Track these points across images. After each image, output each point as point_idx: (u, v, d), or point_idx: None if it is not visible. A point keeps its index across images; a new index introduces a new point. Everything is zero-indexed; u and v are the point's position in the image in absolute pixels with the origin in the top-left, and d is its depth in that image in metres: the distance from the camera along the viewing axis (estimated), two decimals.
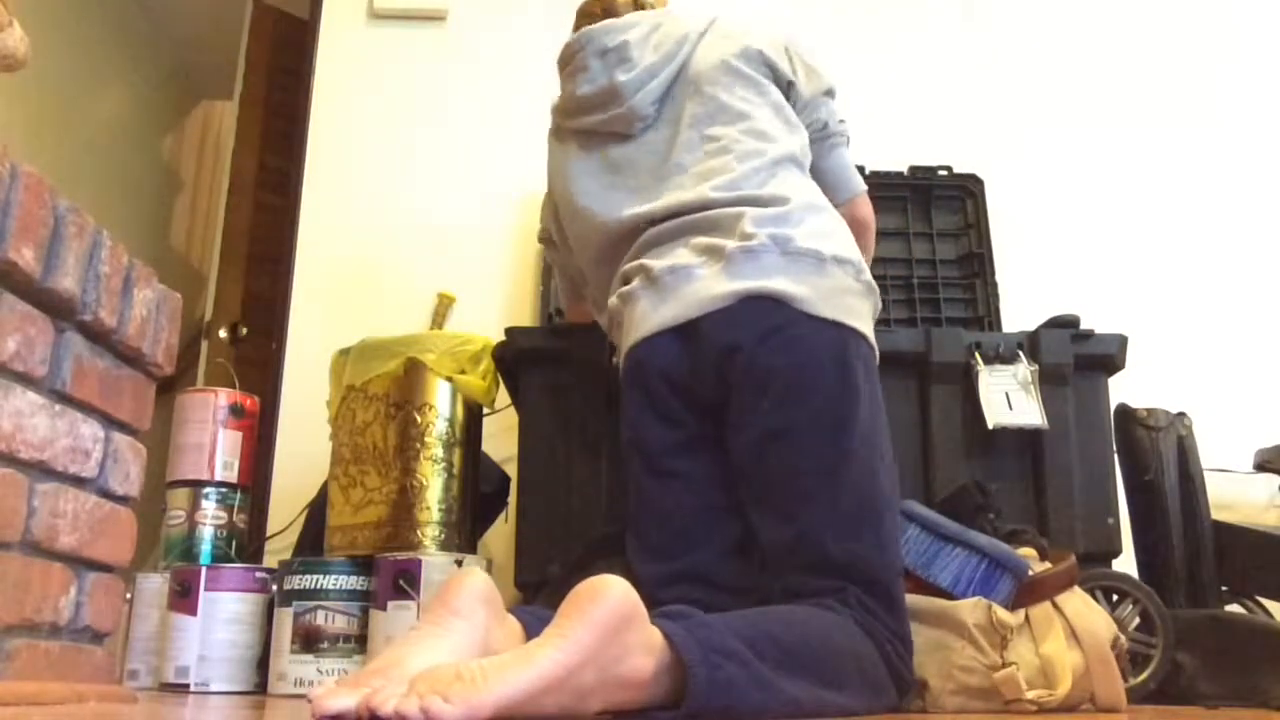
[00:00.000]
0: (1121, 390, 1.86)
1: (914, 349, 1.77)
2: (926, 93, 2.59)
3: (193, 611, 1.67)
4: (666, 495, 1.39)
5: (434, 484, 1.70)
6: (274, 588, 1.69)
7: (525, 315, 2.38)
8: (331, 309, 2.39)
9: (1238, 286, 2.50)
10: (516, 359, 1.76)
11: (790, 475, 1.32)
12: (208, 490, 1.87)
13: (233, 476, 1.89)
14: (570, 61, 1.60)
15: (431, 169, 2.51)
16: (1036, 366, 1.75)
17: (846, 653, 1.18)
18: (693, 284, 1.38)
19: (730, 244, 1.37)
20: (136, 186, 3.80)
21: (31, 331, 0.99)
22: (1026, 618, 1.39)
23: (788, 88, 1.55)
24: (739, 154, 1.45)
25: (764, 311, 1.34)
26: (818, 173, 1.56)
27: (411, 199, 2.49)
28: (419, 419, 1.72)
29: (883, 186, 2.16)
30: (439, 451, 1.72)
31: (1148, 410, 1.85)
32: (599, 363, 1.67)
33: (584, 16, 1.68)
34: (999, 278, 2.23)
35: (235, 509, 1.89)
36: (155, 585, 1.79)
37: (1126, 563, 1.79)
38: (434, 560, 1.59)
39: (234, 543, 1.89)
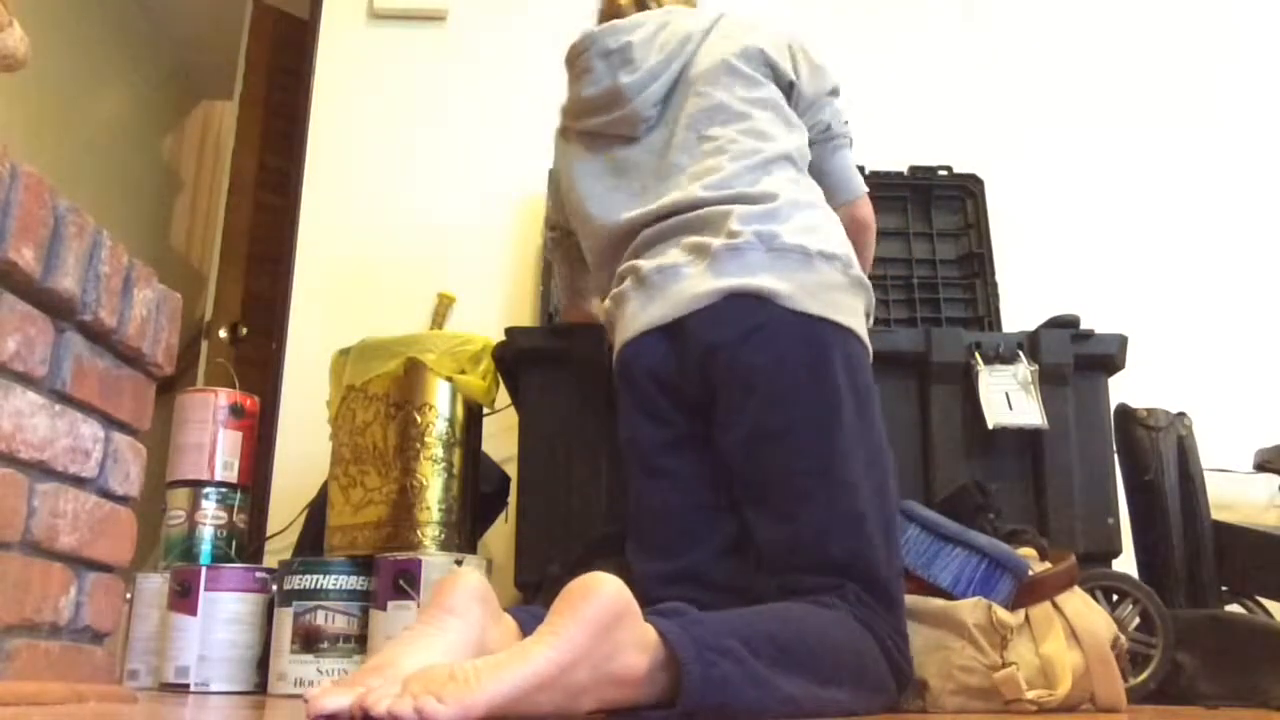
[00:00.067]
0: (1121, 390, 1.86)
1: (914, 349, 1.77)
2: (926, 93, 2.59)
3: (193, 611, 1.67)
4: (659, 494, 1.39)
5: (434, 484, 1.70)
6: (274, 588, 1.69)
7: (525, 315, 2.38)
8: (331, 309, 2.39)
9: (1238, 286, 2.50)
10: (516, 359, 1.76)
11: (784, 475, 1.31)
12: (208, 490, 1.87)
13: (233, 476, 1.89)
14: (575, 63, 1.60)
15: (431, 169, 2.51)
16: (1036, 366, 1.75)
17: (845, 649, 1.17)
18: (679, 283, 1.38)
19: (716, 242, 1.37)
20: (136, 186, 3.80)
21: (31, 331, 0.99)
22: (1026, 618, 1.39)
23: (789, 88, 1.55)
24: (733, 154, 1.45)
25: (748, 309, 1.34)
26: (819, 174, 1.56)
27: (411, 199, 2.49)
28: (419, 419, 1.72)
29: (883, 186, 2.16)
30: (439, 451, 1.72)
31: (1148, 410, 1.85)
32: (599, 363, 1.67)
33: (604, 15, 1.69)
34: (999, 278, 2.23)
35: (235, 509, 1.89)
36: (155, 585, 1.79)
37: (1126, 563, 1.79)
38: (434, 560, 1.59)
39: (234, 543, 1.89)
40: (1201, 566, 1.78)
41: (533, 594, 1.65)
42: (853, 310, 1.39)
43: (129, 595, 1.78)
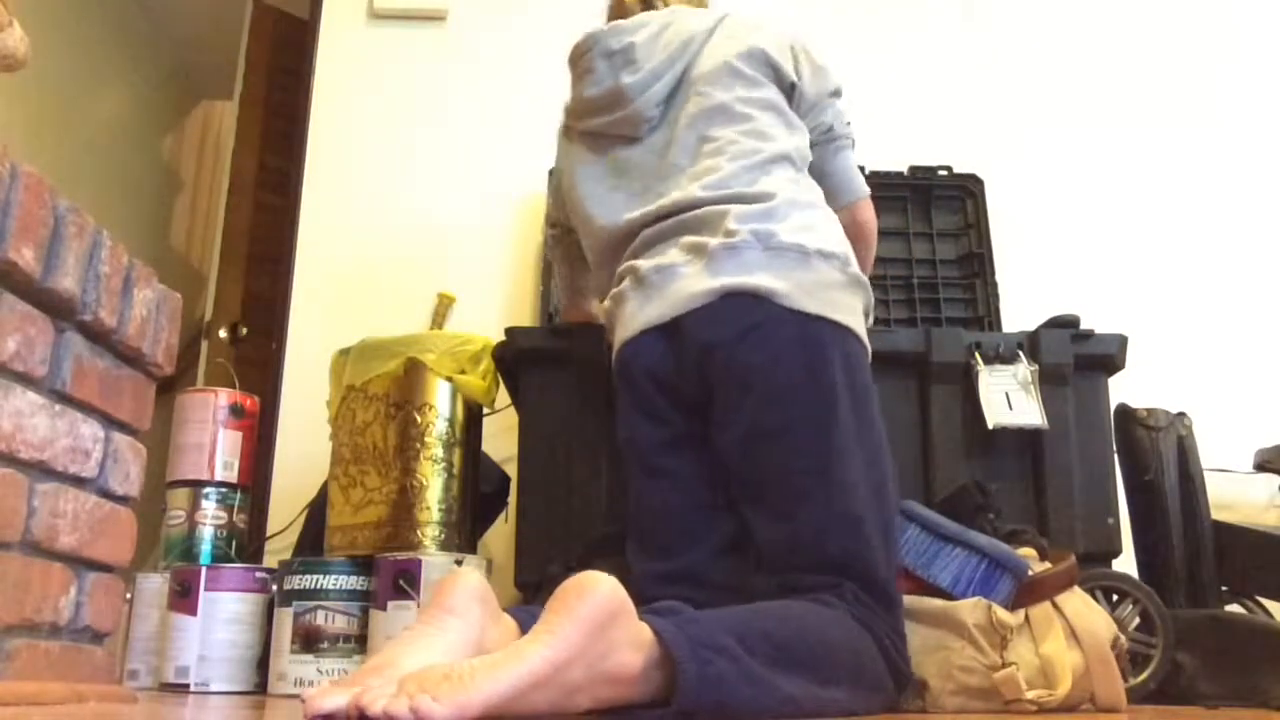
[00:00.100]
0: (1121, 390, 1.86)
1: (914, 349, 1.77)
2: (926, 93, 2.59)
3: (193, 611, 1.67)
4: (658, 494, 1.40)
5: (434, 484, 1.70)
6: (274, 588, 1.69)
7: (525, 315, 2.38)
8: (331, 309, 2.39)
9: (1238, 286, 2.50)
10: (516, 359, 1.76)
11: (781, 473, 1.31)
12: (208, 490, 1.87)
13: (233, 476, 1.89)
14: (578, 63, 1.60)
15: (431, 169, 2.51)
16: (1036, 366, 1.75)
17: (843, 648, 1.17)
18: (676, 282, 1.39)
19: (713, 241, 1.37)
20: (136, 186, 3.80)
21: (31, 331, 0.99)
22: (1026, 618, 1.39)
23: (790, 89, 1.54)
24: (732, 154, 1.45)
25: (744, 308, 1.34)
26: (821, 175, 1.56)
27: (411, 199, 2.49)
28: (419, 419, 1.72)
29: (883, 186, 2.16)
30: (439, 451, 1.72)
31: (1148, 410, 1.85)
32: (599, 363, 1.67)
33: (612, 14, 1.70)
34: (999, 278, 2.23)
35: (235, 509, 1.89)
36: (155, 585, 1.79)
37: (1126, 563, 1.79)
38: (434, 560, 1.59)
39: (234, 543, 1.89)
40: (1201, 566, 1.78)
41: (533, 594, 1.65)
42: (851, 309, 1.39)
43: (129, 595, 1.78)
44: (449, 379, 1.74)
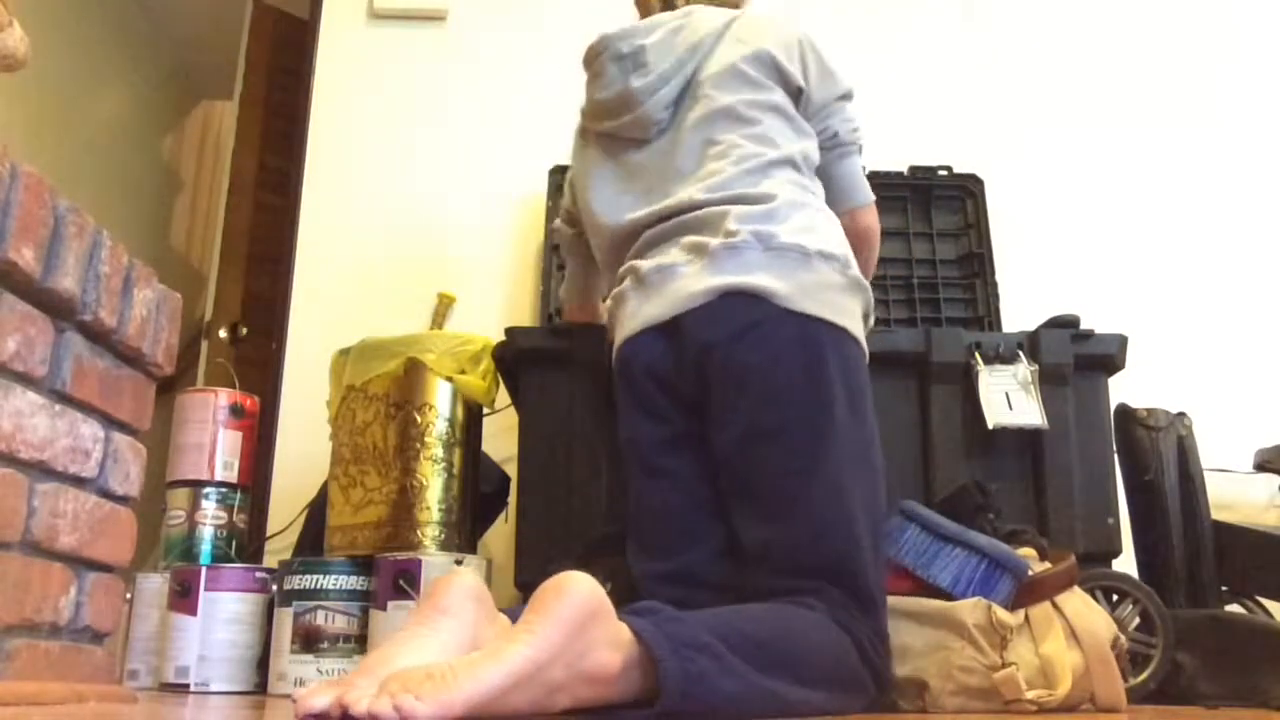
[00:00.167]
0: (1121, 390, 1.86)
1: (914, 349, 1.77)
2: (926, 93, 2.59)
3: (193, 611, 1.67)
4: (658, 494, 1.40)
5: (434, 484, 1.70)
6: (274, 588, 1.70)
7: (525, 315, 2.38)
8: (331, 309, 2.39)
9: (1238, 286, 2.50)
10: (516, 359, 1.76)
11: (770, 474, 1.31)
12: (208, 490, 1.87)
13: (233, 476, 1.89)
14: (591, 65, 1.60)
15: (431, 169, 2.51)
16: (1036, 366, 1.75)
17: (824, 650, 1.18)
18: (676, 281, 1.39)
19: (714, 241, 1.38)
20: (136, 186, 3.80)
21: (31, 331, 0.99)
22: (1026, 618, 1.39)
23: (797, 93, 1.54)
24: (736, 158, 1.45)
25: (742, 308, 1.34)
26: (826, 180, 1.56)
27: (411, 199, 2.49)
28: (419, 419, 1.72)
29: (883, 186, 2.16)
30: (439, 451, 1.72)
31: (1148, 410, 1.84)
32: (599, 363, 1.67)
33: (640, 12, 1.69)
34: (999, 278, 2.23)
35: (235, 509, 1.89)
36: (155, 585, 1.79)
37: (1126, 563, 1.79)
38: (434, 560, 1.59)
39: (234, 543, 1.89)
40: (1201, 566, 1.78)
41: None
42: (849, 311, 1.39)
43: (129, 595, 1.78)
44: (449, 379, 1.74)
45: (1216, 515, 1.83)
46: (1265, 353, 2.44)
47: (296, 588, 1.64)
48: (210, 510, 1.86)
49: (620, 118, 1.55)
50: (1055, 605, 1.40)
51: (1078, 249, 2.50)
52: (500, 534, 2.00)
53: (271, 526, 2.21)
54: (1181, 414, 1.86)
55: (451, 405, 1.74)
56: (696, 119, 1.50)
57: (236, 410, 1.90)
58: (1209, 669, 1.61)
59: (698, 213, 1.42)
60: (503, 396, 1.85)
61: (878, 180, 2.08)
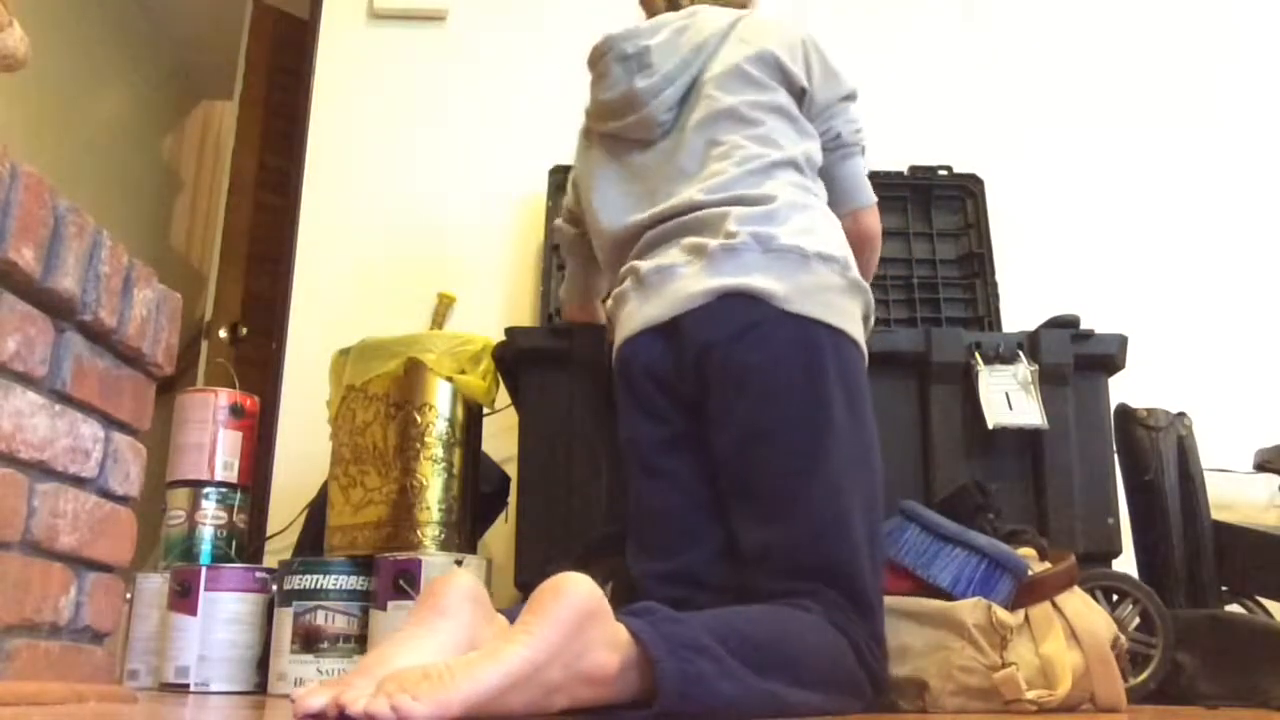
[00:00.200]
0: (1121, 390, 1.86)
1: (914, 349, 1.77)
2: (926, 93, 2.59)
3: (193, 611, 1.67)
4: (658, 494, 1.40)
5: (434, 484, 1.70)
6: (274, 588, 1.69)
7: (525, 315, 2.38)
8: (331, 309, 2.39)
9: (1238, 286, 2.50)
10: (516, 359, 1.76)
11: (768, 476, 1.31)
12: (208, 490, 1.87)
13: (233, 476, 1.89)
14: (595, 66, 1.60)
15: (431, 169, 2.51)
16: (1036, 366, 1.75)
17: (821, 652, 1.18)
18: (675, 282, 1.39)
19: (713, 242, 1.38)
20: (136, 186, 3.80)
21: (31, 331, 0.99)
22: (1026, 618, 1.39)
23: (800, 94, 1.54)
24: (738, 159, 1.45)
25: (741, 309, 1.34)
26: (828, 180, 1.56)
27: (411, 199, 2.49)
28: (419, 419, 1.72)
29: (883, 186, 2.15)
30: (439, 451, 1.72)
31: (1148, 410, 1.84)
32: (599, 363, 1.67)
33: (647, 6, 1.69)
34: (999, 278, 2.23)
35: (235, 509, 1.89)
36: (155, 585, 1.79)
37: (1126, 563, 1.79)
38: (434, 560, 1.59)
39: (234, 543, 1.89)
40: (1201, 566, 1.78)
41: None
42: (849, 313, 1.39)
43: (129, 595, 1.78)
44: (449, 379, 1.74)
45: (1216, 515, 1.83)
46: (1265, 353, 2.44)
47: (296, 588, 1.64)
48: (210, 510, 1.86)
49: (624, 118, 1.55)
50: (1055, 605, 1.40)
51: (1078, 249, 2.50)
52: (500, 534, 2.00)
53: (271, 526, 2.21)
54: (1181, 414, 1.86)
55: (451, 405, 1.74)
56: (700, 120, 1.50)
57: (236, 410, 1.90)
58: (1209, 669, 1.61)
59: (698, 214, 1.42)
60: (503, 396, 1.85)
61: (878, 180, 2.07)
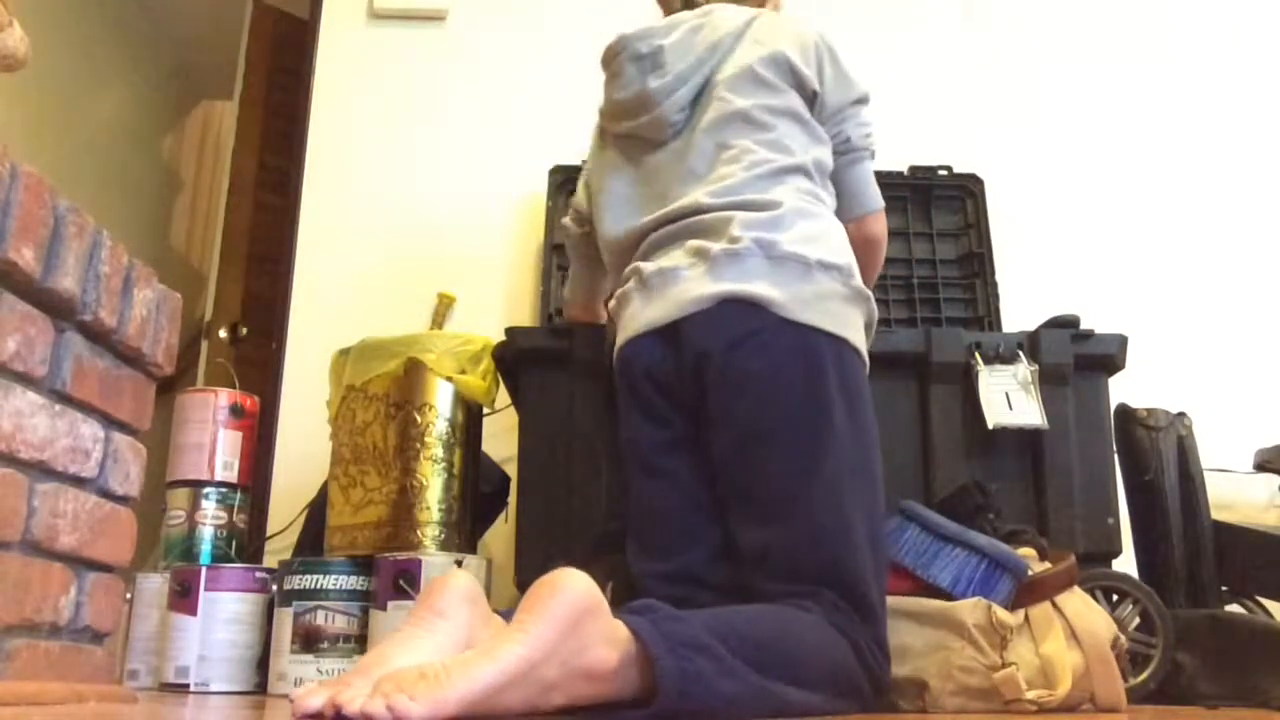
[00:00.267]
0: (1121, 390, 1.86)
1: (914, 349, 1.77)
2: (926, 93, 2.59)
3: (193, 611, 1.67)
4: (658, 494, 1.40)
5: (434, 484, 1.70)
6: (274, 588, 1.69)
7: (525, 315, 2.38)
8: (331, 309, 2.39)
9: (1238, 286, 2.50)
10: (516, 359, 1.76)
11: (768, 477, 1.31)
12: (208, 490, 1.87)
13: (233, 476, 1.89)
14: (609, 66, 1.60)
15: (431, 169, 2.51)
16: (1036, 366, 1.75)
17: (821, 652, 1.17)
18: (678, 285, 1.39)
19: (716, 247, 1.37)
20: (136, 186, 3.80)
21: (31, 331, 0.99)
22: (1026, 618, 1.39)
23: (812, 97, 1.53)
24: (747, 164, 1.45)
25: (741, 315, 1.34)
26: (836, 184, 1.55)
27: (411, 199, 2.49)
28: (419, 419, 1.72)
29: (883, 186, 2.13)
30: (439, 451, 1.72)
31: (1148, 410, 1.84)
32: (599, 363, 1.67)
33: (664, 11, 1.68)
34: (999, 278, 2.23)
35: (235, 509, 1.89)
36: (155, 585, 1.79)
37: (1126, 563, 1.79)
38: (434, 560, 1.59)
39: (234, 543, 1.89)
40: (1201, 566, 1.78)
41: None
42: (850, 321, 1.39)
43: (129, 595, 1.78)
44: (449, 379, 1.74)
45: (1216, 515, 1.83)
46: (1265, 353, 2.44)
47: (296, 588, 1.64)
48: (210, 510, 1.86)
49: (638, 118, 1.54)
50: (1055, 605, 1.40)
51: (1078, 249, 2.50)
52: (500, 534, 2.00)
53: (271, 526, 2.21)
54: (1181, 414, 1.86)
55: (451, 405, 1.74)
56: (711, 122, 1.50)
57: (236, 410, 1.90)
58: (1209, 669, 1.61)
59: (703, 217, 1.42)
60: (503, 396, 1.85)
61: (878, 180, 2.08)
